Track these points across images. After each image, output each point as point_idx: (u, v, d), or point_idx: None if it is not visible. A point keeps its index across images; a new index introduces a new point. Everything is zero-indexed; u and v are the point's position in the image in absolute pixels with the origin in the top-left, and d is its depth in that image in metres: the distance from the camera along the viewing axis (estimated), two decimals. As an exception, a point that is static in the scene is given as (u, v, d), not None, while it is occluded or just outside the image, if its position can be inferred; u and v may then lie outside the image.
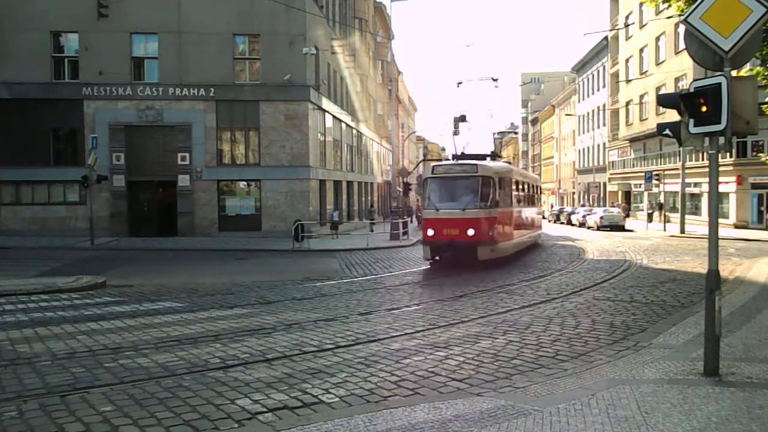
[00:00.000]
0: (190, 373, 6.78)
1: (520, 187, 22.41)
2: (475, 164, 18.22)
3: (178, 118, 29.00)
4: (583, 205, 59.62)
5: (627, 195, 54.46)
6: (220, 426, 5.17)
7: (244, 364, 7.13)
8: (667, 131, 6.86)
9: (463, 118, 46.22)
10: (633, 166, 51.63)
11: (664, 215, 38.82)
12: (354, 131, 42.08)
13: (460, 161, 19.29)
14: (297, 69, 29.19)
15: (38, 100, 28.25)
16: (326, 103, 33.38)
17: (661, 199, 43.16)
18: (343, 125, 38.55)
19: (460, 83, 51.27)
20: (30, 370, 6.94)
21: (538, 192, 28.60)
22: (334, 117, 35.60)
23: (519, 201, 21.45)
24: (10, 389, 6.21)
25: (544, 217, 44.72)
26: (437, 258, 17.90)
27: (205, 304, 11.45)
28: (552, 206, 75.45)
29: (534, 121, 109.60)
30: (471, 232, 16.97)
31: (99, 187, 27.03)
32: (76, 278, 14.36)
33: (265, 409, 5.53)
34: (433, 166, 18.72)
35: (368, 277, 16.17)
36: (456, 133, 46.37)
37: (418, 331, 8.99)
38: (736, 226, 35.95)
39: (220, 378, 6.55)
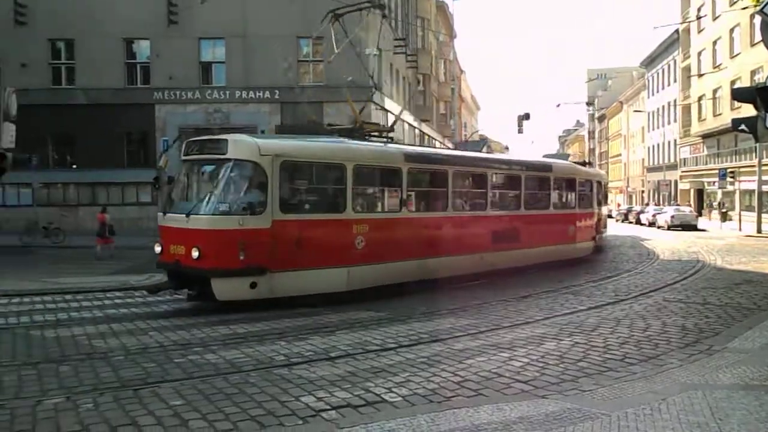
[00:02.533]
0: (256, 369, 6.92)
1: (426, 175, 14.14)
2: (226, 140, 10.95)
3: (244, 120, 29.63)
4: (647, 204, 57.87)
5: (699, 193, 52.52)
6: (285, 422, 5.25)
7: (308, 362, 7.22)
8: (743, 127, 6.61)
9: (527, 116, 45.56)
10: (706, 164, 49.72)
11: (723, 214, 37.27)
12: (416, 131, 42.07)
13: (211, 137, 12.11)
14: (359, 70, 29.38)
15: (112, 105, 29.38)
16: (388, 103, 33.48)
17: (719, 197, 41.47)
18: (405, 125, 38.59)
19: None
20: (105, 364, 7.22)
21: (557, 182, 18.18)
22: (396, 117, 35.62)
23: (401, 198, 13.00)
24: (87, 382, 6.48)
25: (611, 216, 43.36)
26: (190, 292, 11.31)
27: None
28: (619, 205, 73.55)
29: (601, 118, 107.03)
30: (196, 253, 10.25)
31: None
32: (149, 276, 14.85)
33: (328, 407, 5.58)
34: (187, 143, 11.97)
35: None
36: (520, 131, 45.76)
37: (481, 332, 8.90)
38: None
39: (284, 375, 6.66)
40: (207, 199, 10.84)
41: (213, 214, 10.58)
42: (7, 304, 11.63)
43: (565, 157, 22.87)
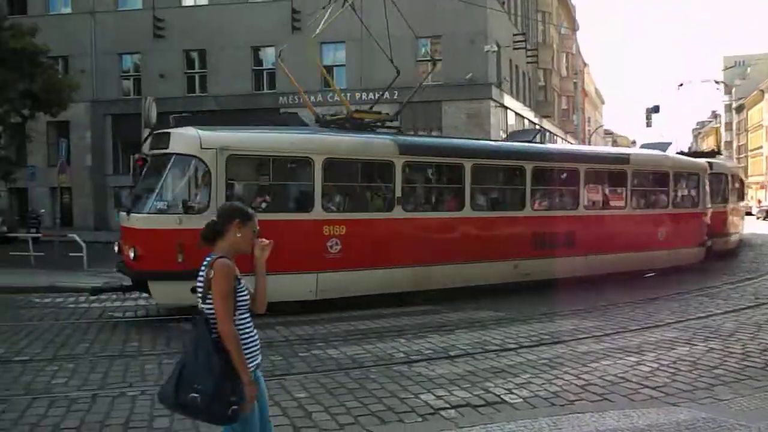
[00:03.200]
0: (376, 365, 7.03)
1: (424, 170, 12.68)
2: (169, 133, 10.12)
3: (365, 122, 30.21)
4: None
5: None
6: (404, 419, 5.31)
7: (427, 360, 7.25)
8: None
9: (655, 109, 43.26)
10: None
11: None
12: (537, 127, 41.10)
13: (160, 130, 10.90)
14: (478, 67, 29.14)
15: (240, 110, 30.86)
16: (508, 100, 32.94)
17: None
18: (526, 122, 37.82)
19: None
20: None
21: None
22: (516, 114, 35.05)
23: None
24: (219, 373, 6.84)
25: (750, 213, 40.14)
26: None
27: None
28: (760, 202, 68.23)
29: (739, 109, 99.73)
30: (132, 254, 9.78)
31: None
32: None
33: (447, 405, 5.58)
34: (153, 134, 11.24)
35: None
36: (649, 125, 43.45)
37: (606, 334, 8.57)
38: None
39: (404, 372, 6.72)
40: (147, 196, 10.24)
41: (149, 213, 9.93)
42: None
43: (664, 146, 18.84)
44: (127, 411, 5.54)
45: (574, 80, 48.81)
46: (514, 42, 34.92)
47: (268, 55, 31.57)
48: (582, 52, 64.02)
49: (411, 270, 11.26)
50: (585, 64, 67.96)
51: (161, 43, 31.02)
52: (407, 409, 5.53)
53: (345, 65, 30.74)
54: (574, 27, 49.18)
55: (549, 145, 15.49)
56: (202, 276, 3.23)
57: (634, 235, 14.25)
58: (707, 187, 16.68)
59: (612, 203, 14.65)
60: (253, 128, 11.24)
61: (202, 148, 9.77)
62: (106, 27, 31.07)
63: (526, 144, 14.41)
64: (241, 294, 3.30)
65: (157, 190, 10.10)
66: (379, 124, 12.70)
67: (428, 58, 30.42)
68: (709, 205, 16.89)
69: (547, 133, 34.53)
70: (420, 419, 5.30)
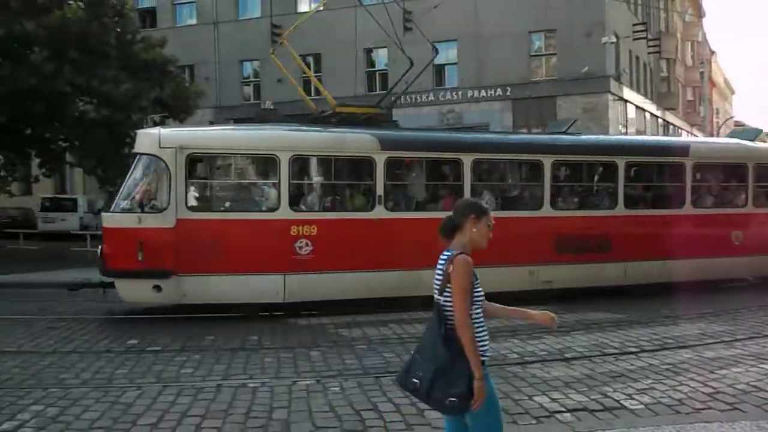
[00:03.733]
0: (489, 365, 6.93)
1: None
2: (137, 133, 10.81)
3: (477, 119, 29.89)
4: None
5: None
6: (518, 420, 5.21)
7: (541, 362, 7.09)
8: None
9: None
10: None
11: None
12: (659, 120, 39.10)
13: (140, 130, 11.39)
14: (595, 60, 28.12)
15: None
16: (627, 93, 31.55)
17: None
18: (647, 115, 36.06)
19: None
20: (350, 351, 7.77)
21: None
22: (636, 107, 33.50)
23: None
24: (334, 367, 7.03)
25: None
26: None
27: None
28: None
29: None
30: (99, 252, 10.05)
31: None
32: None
33: (563, 409, 5.43)
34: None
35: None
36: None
37: (737, 340, 8.03)
38: None
39: (517, 373, 6.61)
40: (116, 196, 10.53)
41: (113, 212, 10.20)
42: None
43: (754, 134, 15.28)
44: (248, 402, 5.79)
45: (701, 70, 46.12)
46: (634, 32, 33.36)
47: (380, 56, 31.99)
48: (709, 40, 60.28)
49: (397, 274, 10.45)
50: (712, 52, 63.91)
51: (278, 49, 32.11)
52: (521, 410, 5.43)
53: (457, 63, 30.57)
54: (699, 13, 46.49)
55: (577, 137, 13.13)
56: (440, 269, 3.32)
57: (697, 240, 11.88)
58: None
59: (665, 202, 12.67)
60: (221, 126, 10.98)
61: (161, 147, 9.81)
62: (228, 36, 32.65)
63: (544, 135, 13.20)
64: (477, 290, 3.38)
65: (122, 190, 10.34)
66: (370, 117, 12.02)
67: (542, 53, 29.75)
68: None
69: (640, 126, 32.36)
70: (534, 422, 5.19)
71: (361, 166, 10.92)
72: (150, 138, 10.20)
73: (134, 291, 9.90)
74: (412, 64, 13.47)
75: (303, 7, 32.65)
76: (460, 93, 30.26)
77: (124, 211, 10.11)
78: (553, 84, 29.02)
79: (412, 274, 10.13)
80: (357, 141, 10.74)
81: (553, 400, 5.67)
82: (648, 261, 11.77)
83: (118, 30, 20.21)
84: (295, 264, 10.00)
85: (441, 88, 30.78)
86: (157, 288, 9.68)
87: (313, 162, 11.12)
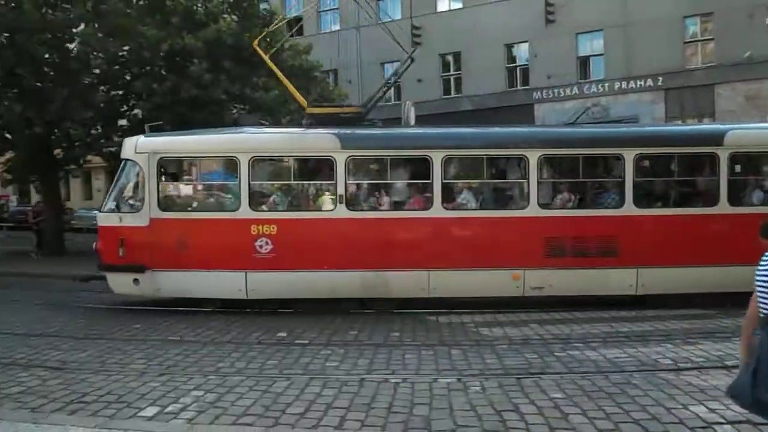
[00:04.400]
0: (639, 371, 6.61)
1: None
2: (123, 141, 11.71)
3: (625, 112, 28.40)
4: None
5: None
6: (671, 430, 4.91)
7: (698, 369, 6.63)
8: None
9: None
10: None
11: None
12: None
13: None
14: (758, 43, 25.79)
15: (494, 108, 31.09)
16: (798, 78, 28.68)
17: None
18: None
19: None
20: (491, 351, 7.68)
21: None
22: (809, 93, 30.36)
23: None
24: (475, 367, 6.99)
25: None
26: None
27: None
28: None
29: None
30: (93, 246, 11.12)
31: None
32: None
33: (723, 420, 5.05)
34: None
35: None
36: None
37: None
38: None
39: (671, 380, 6.22)
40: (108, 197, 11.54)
41: (103, 211, 11.19)
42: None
43: None
44: (389, 396, 5.89)
45: None
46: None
47: (521, 51, 31.35)
48: None
49: (359, 274, 10.28)
50: None
51: (418, 49, 32.46)
52: (674, 420, 5.11)
53: (603, 54, 29.30)
54: None
55: (570, 128, 11.81)
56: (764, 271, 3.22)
57: (737, 244, 9.39)
58: None
59: (692, 199, 10.84)
60: (195, 131, 11.84)
61: (137, 152, 10.69)
62: (370, 39, 33.36)
63: (529, 128, 11.73)
64: None
65: (111, 192, 11.35)
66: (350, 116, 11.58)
67: (697, 38, 27.78)
68: None
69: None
70: (689, 432, 4.87)
71: (322, 166, 10.75)
72: (130, 144, 11.04)
73: (119, 284, 10.85)
74: (412, 60, 13.43)
75: (442, 6, 32.65)
76: (606, 85, 28.95)
77: (110, 211, 11.08)
78: (710, 71, 26.99)
79: (377, 275, 10.21)
80: (318, 141, 10.69)
81: (712, 410, 5.28)
82: (674, 267, 10.25)
83: (268, 40, 21.34)
84: (256, 262, 10.26)
85: (585, 81, 29.62)
86: (136, 281, 10.58)
87: (275, 162, 11.19)
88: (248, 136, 11.25)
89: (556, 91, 29.81)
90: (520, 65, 31.30)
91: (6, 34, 18.09)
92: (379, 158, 10.87)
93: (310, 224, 10.57)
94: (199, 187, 11.39)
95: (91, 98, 18.97)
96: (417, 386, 6.20)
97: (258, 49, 13.23)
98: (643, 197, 10.54)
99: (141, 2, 20.75)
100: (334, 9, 35.17)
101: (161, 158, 10.64)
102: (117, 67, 20.15)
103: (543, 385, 6.16)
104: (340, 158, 10.32)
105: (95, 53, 18.91)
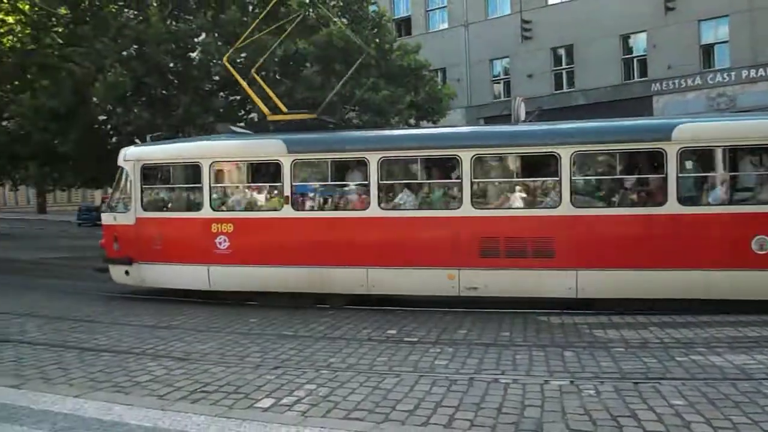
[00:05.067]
0: (726, 380, 6.17)
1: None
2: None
3: (753, 102, 26.61)
4: None
5: None
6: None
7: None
8: None
9: None
10: None
11: None
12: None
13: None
14: None
15: (609, 102, 29.93)
16: None
17: None
18: None
19: None
20: (606, 354, 7.40)
21: None
22: None
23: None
24: (588, 369, 6.76)
25: None
26: None
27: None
28: None
29: None
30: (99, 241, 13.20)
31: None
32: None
33: None
34: None
35: None
36: None
37: None
38: None
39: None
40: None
41: (102, 212, 13.33)
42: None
43: None
44: (499, 397, 5.82)
45: None
46: None
47: (638, 41, 30.00)
48: None
49: (306, 270, 10.91)
50: None
51: (529, 44, 31.85)
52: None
53: (728, 41, 27.50)
54: None
55: (512, 126, 11.61)
56: None
57: (691, 246, 9.50)
58: None
59: (637, 199, 10.19)
60: (175, 140, 13.30)
61: (125, 160, 12.29)
62: (478, 36, 33.13)
63: (463, 128, 12.33)
64: None
65: (111, 194, 13.19)
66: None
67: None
68: None
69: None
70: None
71: (272, 169, 11.50)
72: (122, 153, 12.61)
73: (116, 274, 12.48)
74: (370, 55, 13.80)
75: (553, -1, 31.83)
76: (732, 74, 27.15)
77: (108, 210, 12.85)
78: None
79: (321, 271, 10.85)
80: (268, 146, 11.46)
81: None
82: (618, 270, 9.79)
83: (377, 41, 21.65)
84: (216, 257, 11.34)
85: (709, 71, 27.92)
86: (127, 272, 12.19)
87: (231, 166, 12.10)
88: (211, 143, 12.29)
89: (676, 82, 28.32)
90: (637, 56, 29.98)
91: (135, 46, 19.41)
92: (321, 161, 11.44)
93: (261, 223, 11.46)
94: (172, 190, 12.56)
95: (212, 104, 19.99)
96: (528, 387, 6.09)
97: (228, 65, 14.54)
98: (582, 197, 10.22)
99: (257, 10, 21.62)
100: (442, 7, 35.09)
101: (143, 165, 12.14)
102: (234, 73, 21.11)
103: (663, 391, 5.86)
104: (286, 162, 11.07)
105: (215, 61, 19.90)
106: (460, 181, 10.38)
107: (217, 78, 20.74)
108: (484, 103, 33.16)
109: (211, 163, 11.56)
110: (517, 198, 10.53)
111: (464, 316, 9.92)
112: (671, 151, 9.54)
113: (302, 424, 5.06)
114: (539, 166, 10.64)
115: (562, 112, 29.71)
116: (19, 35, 22.98)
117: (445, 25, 34.99)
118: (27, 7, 22.27)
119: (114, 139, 21.25)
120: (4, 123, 23.48)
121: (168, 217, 12.18)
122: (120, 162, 12.49)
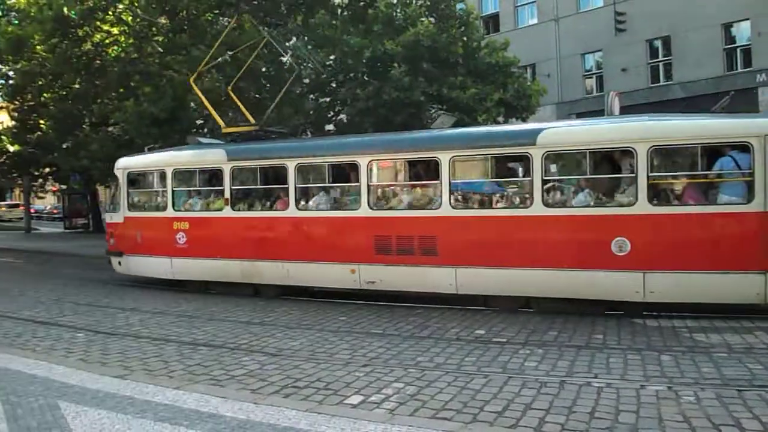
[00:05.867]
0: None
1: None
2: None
3: None
4: None
5: None
6: None
7: None
8: None
9: None
10: None
11: None
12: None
13: None
14: None
15: (709, 95, 28.45)
16: None
17: None
18: None
19: None
20: (707, 359, 7.05)
21: None
22: None
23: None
24: (688, 375, 6.46)
25: None
26: None
27: None
28: None
29: None
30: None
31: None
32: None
33: None
34: None
35: None
36: None
37: None
38: None
39: None
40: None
41: (106, 211, 15.90)
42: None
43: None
44: (592, 401, 5.66)
45: None
46: None
47: (742, 30, 28.38)
48: None
49: (239, 263, 12.56)
50: None
51: (623, 37, 30.74)
52: None
53: None
54: None
55: (400, 134, 13.27)
56: None
57: (555, 247, 9.81)
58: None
59: (508, 201, 10.62)
60: (157, 151, 15.06)
61: (117, 168, 14.58)
62: (569, 30, 32.31)
63: (364, 137, 13.90)
64: None
65: (111, 197, 15.62)
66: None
67: None
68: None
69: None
70: None
71: (217, 174, 13.12)
72: (116, 163, 14.79)
73: (114, 264, 14.77)
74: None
75: (649, -12, 30.55)
76: None
77: (108, 210, 15.33)
78: None
79: (252, 264, 12.42)
80: (213, 155, 13.24)
81: None
82: (487, 269, 10.27)
83: (465, 39, 21.49)
84: (177, 251, 13.32)
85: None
86: (119, 263, 14.53)
87: (187, 173, 13.70)
88: (173, 153, 14.17)
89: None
90: (740, 46, 28.37)
91: (230, 52, 20.12)
92: (253, 168, 12.87)
93: (209, 222, 13.22)
94: (147, 194, 14.69)
95: (302, 106, 20.46)
96: (622, 392, 5.88)
97: (193, 85, 16.45)
98: (459, 198, 10.80)
99: (345, 13, 21.96)
100: (531, 3, 34.43)
101: (128, 172, 14.35)
102: (324, 75, 21.53)
103: (770, 399, 5.53)
104: (226, 168, 12.78)
105: (305, 64, 20.36)
106: (359, 184, 11.33)
107: (307, 81, 21.20)
108: (575, 98, 32.31)
109: (173, 170, 13.56)
110: (407, 200, 11.33)
111: (554, 318, 9.69)
112: (536, 156, 9.85)
113: (390, 422, 5.09)
114: (425, 170, 11.37)
115: (659, 106, 28.61)
116: (123, 45, 24.34)
117: (535, 21, 34.30)
118: (130, 18, 23.55)
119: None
120: (110, 129, 24.90)
121: (144, 216, 14.24)
122: (115, 170, 14.71)
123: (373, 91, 19.55)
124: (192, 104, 20.91)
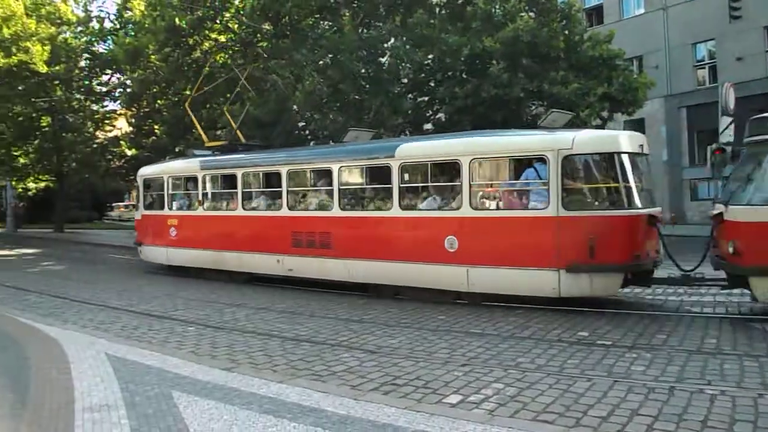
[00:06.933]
0: None
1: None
2: None
3: None
4: None
5: None
6: None
7: None
8: None
9: None
10: None
11: None
12: None
13: None
14: None
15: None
16: None
17: None
18: None
19: None
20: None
21: None
22: None
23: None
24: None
25: None
26: None
27: None
28: None
29: None
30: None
31: None
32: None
33: None
34: None
35: None
36: None
37: None
38: None
39: None
40: None
41: (135, 210, 19.93)
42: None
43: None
44: (704, 409, 5.38)
45: None
46: None
47: None
48: None
49: (211, 253, 15.66)
50: None
51: (738, 24, 28.94)
52: None
53: None
54: None
55: (307, 148, 18.35)
56: None
57: (407, 243, 11.96)
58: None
59: (378, 204, 12.63)
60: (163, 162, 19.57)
61: (138, 175, 18.85)
62: (678, 19, 30.77)
63: (283, 150, 16.41)
64: None
65: (136, 199, 19.54)
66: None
67: None
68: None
69: None
70: None
71: (194, 181, 16.63)
72: (138, 172, 18.76)
73: (140, 253, 18.35)
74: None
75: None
76: None
77: (134, 209, 17.07)
78: None
79: (218, 254, 15.44)
80: (191, 164, 16.83)
81: None
82: (367, 261, 12.41)
83: (566, 32, 20.88)
84: (170, 242, 16.82)
85: None
86: (140, 251, 18.28)
87: (178, 179, 17.32)
88: (168, 164, 18.62)
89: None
90: None
91: (330, 56, 20.55)
92: (216, 175, 16.37)
93: (190, 219, 16.60)
94: (153, 196, 18.08)
95: (400, 106, 20.57)
96: (738, 401, 5.55)
97: (187, 108, 20.81)
98: (346, 202, 13.10)
99: (443, 12, 21.89)
100: (638, -8, 33.05)
101: (144, 178, 18.29)
102: (422, 75, 21.53)
103: None
104: (200, 175, 16.37)
105: (404, 64, 20.44)
106: (281, 189, 14.08)
107: (405, 80, 21.29)
108: (686, 90, 30.74)
109: (168, 177, 17.26)
110: (313, 202, 13.85)
111: (665, 320, 9.29)
112: (395, 166, 12.09)
113: (490, 422, 5.04)
114: (323, 177, 13.77)
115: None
116: (230, 51, 25.37)
117: (641, 10, 32.92)
118: (236, 26, 24.50)
119: (311, 144, 22.66)
120: (218, 132, 26.03)
121: (152, 214, 17.78)
122: (137, 176, 18.72)
123: (471, 89, 19.32)
124: (294, 107, 21.46)
